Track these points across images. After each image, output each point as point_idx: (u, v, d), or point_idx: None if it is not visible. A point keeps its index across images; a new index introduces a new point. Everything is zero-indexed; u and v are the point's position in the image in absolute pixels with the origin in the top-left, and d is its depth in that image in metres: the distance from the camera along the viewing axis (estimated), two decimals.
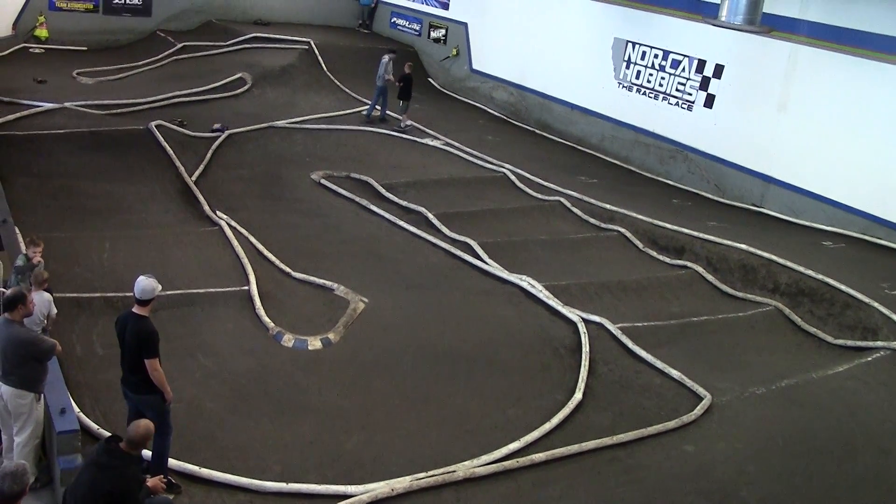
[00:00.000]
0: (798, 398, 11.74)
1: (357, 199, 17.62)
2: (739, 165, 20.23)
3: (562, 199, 18.64)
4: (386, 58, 23.17)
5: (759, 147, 19.76)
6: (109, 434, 7.33)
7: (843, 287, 14.60)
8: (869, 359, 13.01)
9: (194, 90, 23.11)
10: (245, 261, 13.92)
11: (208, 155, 18.85)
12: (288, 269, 14.22)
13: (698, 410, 10.99)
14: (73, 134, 18.35)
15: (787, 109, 19.16)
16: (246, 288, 13.07)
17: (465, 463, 9.43)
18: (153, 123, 19.15)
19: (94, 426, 9.19)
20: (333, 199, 17.82)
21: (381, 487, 8.81)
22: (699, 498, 9.45)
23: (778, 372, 12.49)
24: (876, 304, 14.11)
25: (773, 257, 15.62)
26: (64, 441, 8.18)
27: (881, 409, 11.69)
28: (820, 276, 14.93)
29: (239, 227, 15.41)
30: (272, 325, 12.32)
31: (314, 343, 12.13)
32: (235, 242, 14.61)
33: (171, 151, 18.19)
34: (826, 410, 11.51)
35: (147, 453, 8.44)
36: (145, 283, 8.14)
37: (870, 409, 11.63)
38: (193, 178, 17.51)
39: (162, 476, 7.43)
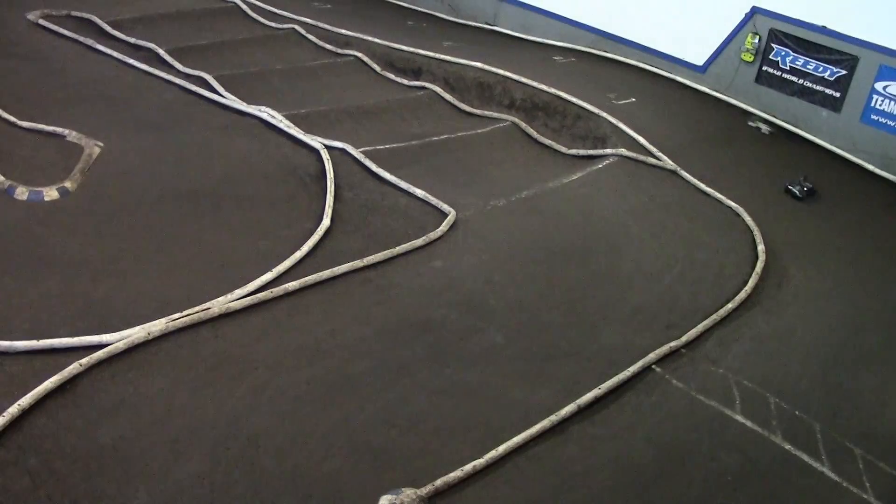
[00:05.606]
0: (537, 207, 12.23)
1: (81, 39, 16.05)
2: None
3: (296, 27, 17.98)
4: None
5: None
6: None
7: (574, 99, 15.19)
8: (600, 166, 13.73)
9: None
10: None
11: None
12: (12, 119, 12.86)
13: (444, 227, 11.20)
14: None
15: None
16: None
17: (220, 299, 9.19)
18: None
19: None
20: (54, 40, 16.09)
21: (137, 332, 8.42)
22: (451, 309, 9.72)
23: (517, 184, 12.93)
24: (604, 115, 14.83)
25: (508, 74, 15.91)
26: None
27: (613, 211, 12.43)
28: (552, 90, 15.42)
29: None
30: (2, 178, 11.19)
31: (50, 193, 11.18)
32: None
33: None
34: (563, 217, 12.09)
35: None
36: None
37: (602, 213, 12.34)
38: None
39: None
